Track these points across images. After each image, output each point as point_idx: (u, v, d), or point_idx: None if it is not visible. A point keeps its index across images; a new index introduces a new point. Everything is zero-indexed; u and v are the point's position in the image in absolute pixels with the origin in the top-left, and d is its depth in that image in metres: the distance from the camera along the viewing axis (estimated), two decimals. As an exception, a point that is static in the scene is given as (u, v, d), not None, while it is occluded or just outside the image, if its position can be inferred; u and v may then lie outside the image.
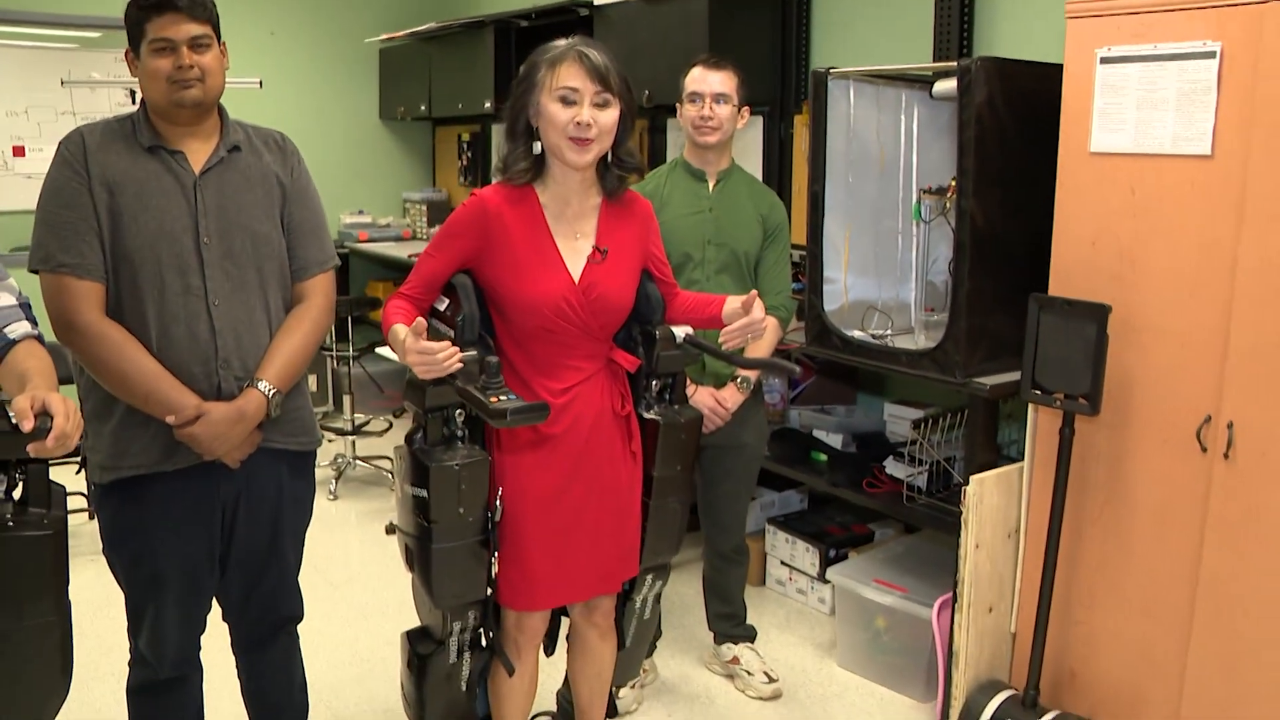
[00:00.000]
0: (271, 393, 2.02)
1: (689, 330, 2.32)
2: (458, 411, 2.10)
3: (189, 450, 1.99)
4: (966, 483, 2.61)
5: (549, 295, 2.08)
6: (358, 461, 4.83)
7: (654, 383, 2.31)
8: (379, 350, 4.32)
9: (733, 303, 2.17)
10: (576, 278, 2.11)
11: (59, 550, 1.66)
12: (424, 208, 5.98)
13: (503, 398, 1.86)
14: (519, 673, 2.28)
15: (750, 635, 3.17)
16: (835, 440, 3.53)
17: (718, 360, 2.81)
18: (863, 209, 3.06)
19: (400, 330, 1.97)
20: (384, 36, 5.65)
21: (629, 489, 2.27)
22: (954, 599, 2.70)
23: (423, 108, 5.57)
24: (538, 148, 2.08)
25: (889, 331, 3.09)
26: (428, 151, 6.34)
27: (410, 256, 5.17)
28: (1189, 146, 2.23)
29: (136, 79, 2.03)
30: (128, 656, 2.20)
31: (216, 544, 2.10)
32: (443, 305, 2.13)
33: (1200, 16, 2.18)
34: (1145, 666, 2.45)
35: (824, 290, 3.01)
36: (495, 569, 2.15)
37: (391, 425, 5.14)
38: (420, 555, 2.13)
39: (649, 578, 2.41)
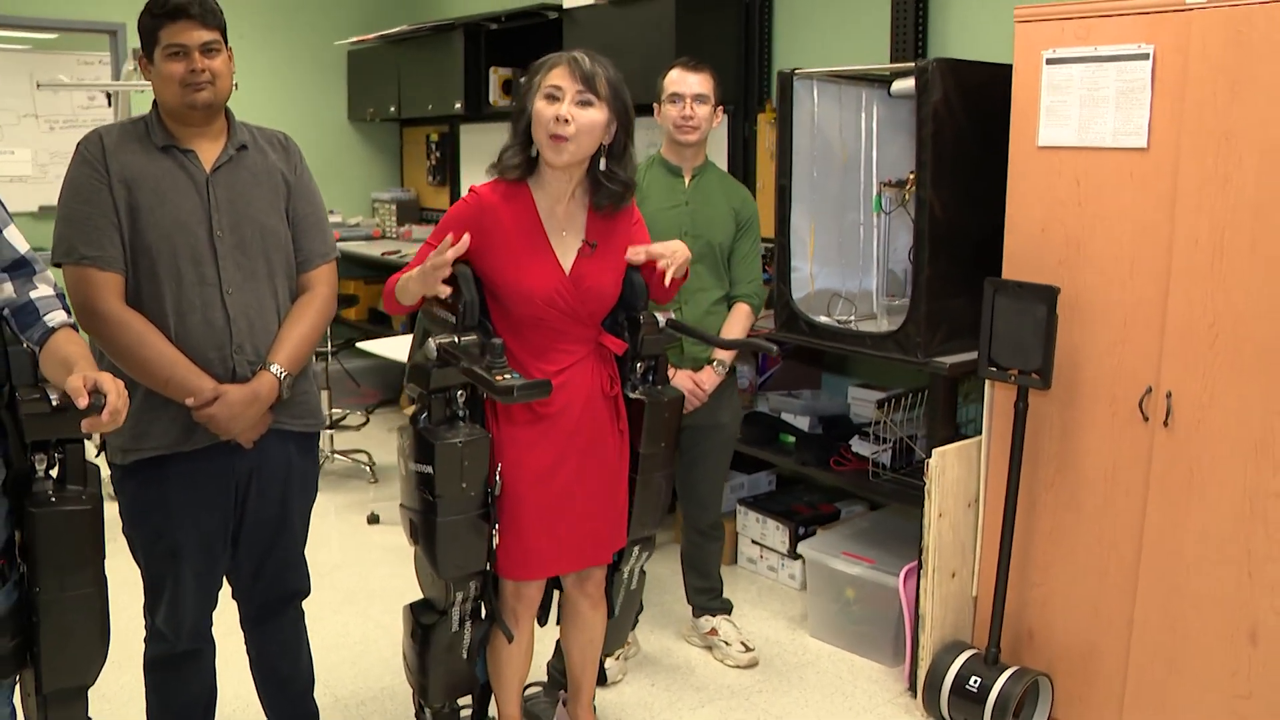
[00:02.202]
0: (283, 375, 2.15)
1: (671, 314, 2.48)
2: (459, 392, 2.25)
3: (206, 431, 2.11)
4: (929, 457, 2.79)
5: (542, 286, 2.23)
6: (336, 455, 4.93)
7: (638, 365, 2.46)
8: (359, 345, 4.43)
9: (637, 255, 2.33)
10: (567, 270, 2.26)
11: (96, 524, 1.78)
12: (393, 207, 6.09)
13: (507, 376, 2.00)
14: (517, 640, 2.43)
15: (727, 608, 3.33)
16: (802, 422, 3.71)
17: (697, 345, 2.98)
18: (827, 202, 3.24)
19: (414, 271, 2.17)
20: (353, 39, 5.75)
21: (617, 465, 2.42)
22: (919, 567, 2.89)
23: (392, 109, 5.68)
24: (534, 150, 2.22)
25: (852, 317, 3.27)
26: (395, 152, 6.44)
27: (384, 255, 5.28)
28: (1127, 140, 2.42)
29: (149, 82, 2.15)
30: (142, 634, 2.32)
31: (230, 520, 2.22)
32: (444, 294, 2.27)
33: (1135, 22, 2.38)
34: (1096, 622, 2.65)
35: (791, 279, 3.18)
36: (496, 541, 2.30)
37: (368, 420, 5.24)
38: (425, 528, 2.27)
39: (636, 549, 2.56)
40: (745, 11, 4.11)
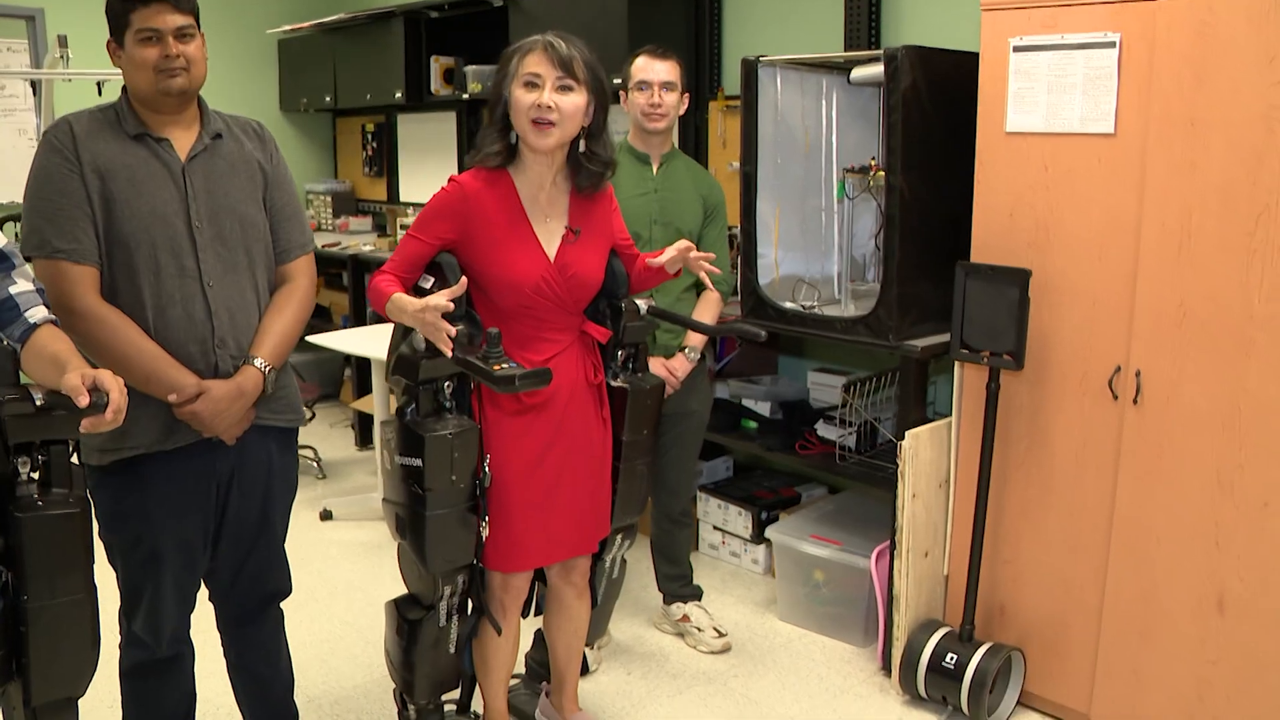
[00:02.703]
0: (267, 369, 2.09)
1: (651, 302, 2.48)
2: (446, 384, 2.21)
3: (188, 429, 2.04)
4: (901, 438, 2.84)
5: (528, 275, 2.21)
6: (281, 453, 4.81)
7: (620, 353, 2.46)
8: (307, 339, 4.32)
9: (668, 254, 2.34)
10: (552, 257, 2.24)
11: (85, 527, 1.71)
12: (328, 199, 5.96)
13: (505, 366, 1.98)
14: (505, 633, 2.41)
15: (698, 594, 3.35)
16: (763, 408, 3.74)
17: (668, 332, 2.98)
18: (790, 188, 3.27)
19: (406, 300, 2.09)
20: (286, 28, 5.60)
21: (602, 453, 2.41)
22: (892, 547, 2.93)
23: (327, 99, 5.56)
24: (514, 136, 2.20)
25: (815, 303, 3.30)
26: (329, 143, 6.30)
27: (324, 248, 5.16)
28: (1095, 126, 2.49)
29: (119, 69, 2.07)
30: (117, 641, 2.23)
31: (211, 520, 2.16)
32: (427, 284, 2.23)
33: (1101, 10, 2.44)
34: (1067, 597, 2.72)
35: (758, 265, 3.20)
36: (486, 533, 2.27)
37: (314, 415, 5.13)
38: (413, 522, 2.23)
39: (618, 537, 2.56)
40: (696, 1, 4.11)
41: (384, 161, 5.87)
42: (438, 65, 4.95)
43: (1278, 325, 2.29)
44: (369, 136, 5.91)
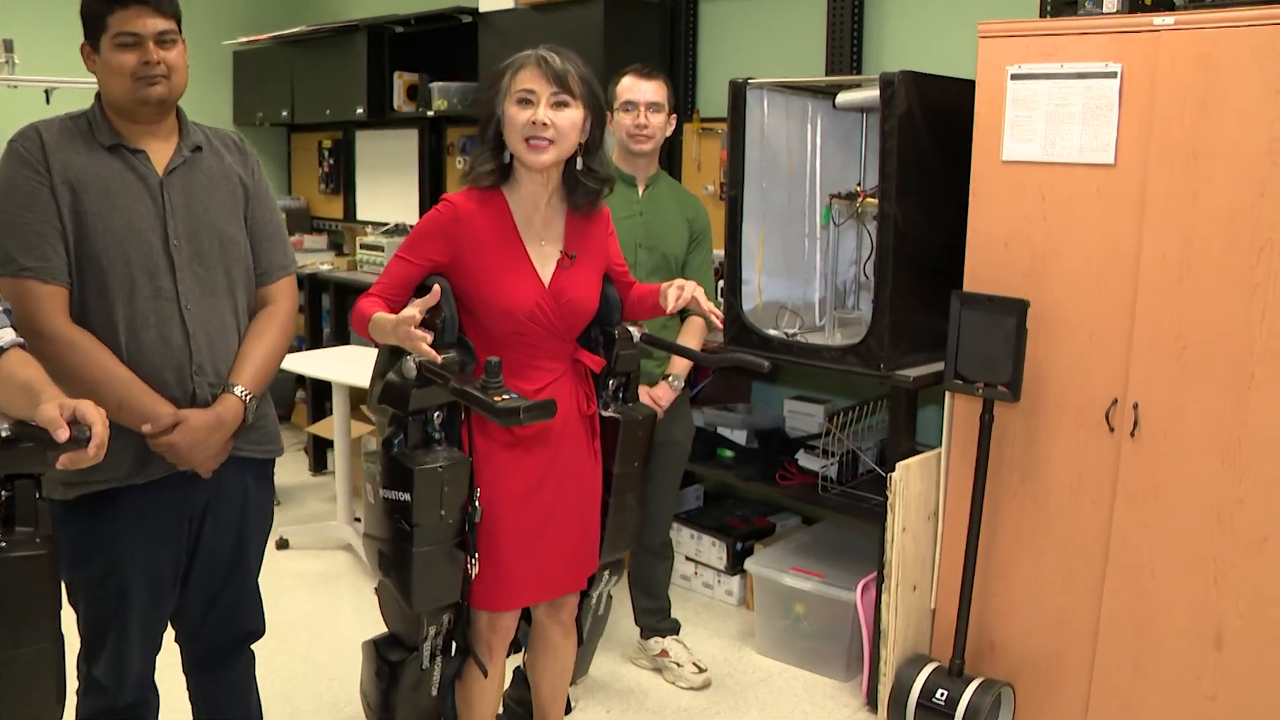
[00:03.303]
0: (248, 398, 1.97)
1: (644, 329, 2.39)
2: (436, 414, 2.10)
3: (162, 461, 1.91)
4: (890, 469, 2.78)
5: (522, 300, 2.11)
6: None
7: (610, 382, 2.37)
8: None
9: (665, 290, 2.24)
10: (546, 282, 2.15)
11: (53, 570, 1.58)
12: (282, 216, 5.78)
13: (506, 396, 1.87)
14: (490, 674, 2.29)
15: (675, 628, 3.25)
16: (740, 437, 3.66)
17: (656, 358, 2.90)
18: (774, 213, 3.21)
19: (386, 317, 1.99)
20: (242, 39, 5.44)
21: (593, 487, 2.32)
22: (879, 580, 2.87)
23: (284, 114, 5.40)
24: (507, 156, 2.11)
25: (797, 330, 3.24)
26: (283, 159, 6.14)
27: (280, 265, 5.00)
28: (1094, 156, 2.46)
29: (90, 74, 1.94)
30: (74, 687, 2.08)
31: (183, 554, 2.02)
32: (426, 344, 2.12)
33: (1102, 41, 2.42)
34: (1060, 630, 2.68)
35: (741, 291, 3.13)
36: (475, 570, 2.16)
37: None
38: (398, 560, 2.11)
39: (605, 573, 2.46)
40: (670, 18, 4.06)
41: (341, 179, 5.72)
42: (401, 81, 4.83)
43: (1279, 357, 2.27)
44: (325, 153, 5.76)
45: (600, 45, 3.84)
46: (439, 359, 1.94)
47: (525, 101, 2.05)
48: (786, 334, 3.16)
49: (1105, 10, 2.47)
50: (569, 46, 3.88)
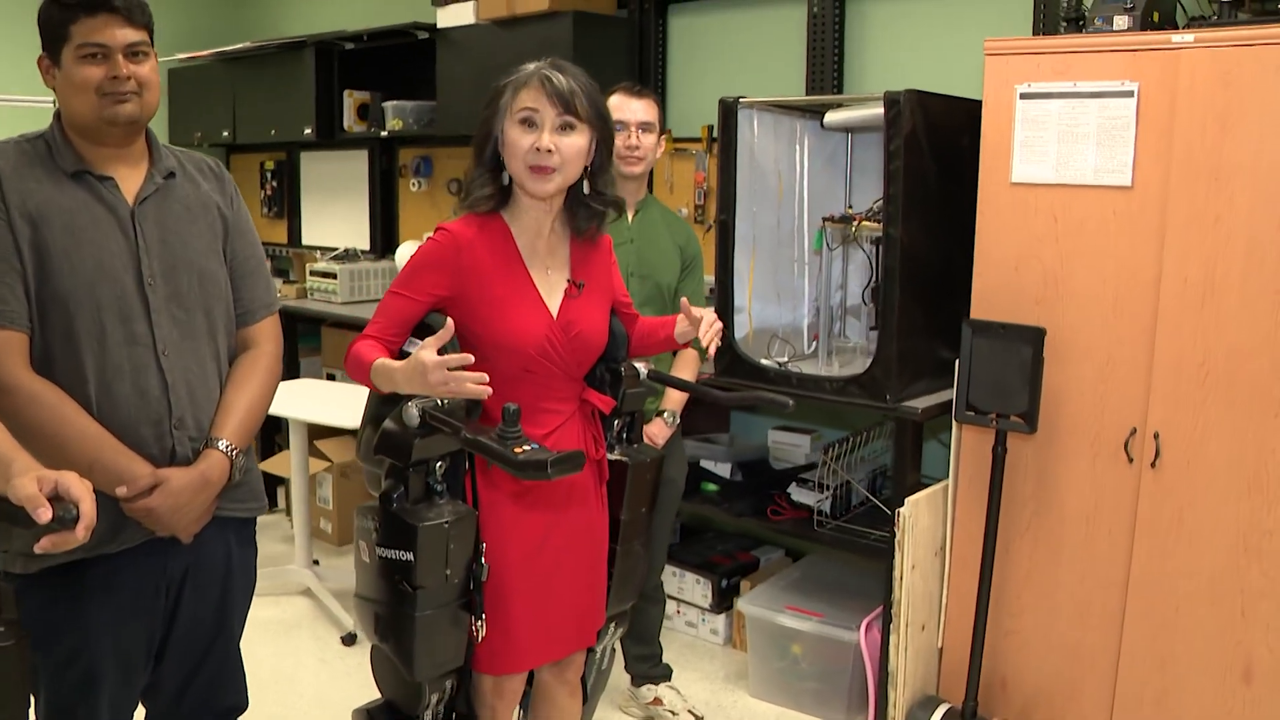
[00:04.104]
0: (234, 453, 1.77)
1: (651, 365, 2.25)
2: (438, 464, 1.93)
3: (137, 526, 1.71)
4: (900, 503, 2.66)
5: (531, 334, 1.95)
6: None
7: (615, 422, 2.22)
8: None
9: (681, 324, 2.09)
10: (555, 313, 1.99)
11: (22, 662, 1.38)
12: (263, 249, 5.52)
13: (527, 448, 1.70)
14: (495, 742, 2.11)
15: (668, 674, 3.10)
16: (723, 470, 3.53)
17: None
18: (764, 237, 3.09)
19: (392, 364, 1.81)
20: (180, 56, 5.17)
21: (601, 535, 2.16)
22: (885, 619, 2.75)
23: (225, 134, 5.15)
24: (506, 178, 1.95)
25: (786, 359, 3.12)
26: (221, 181, 5.86)
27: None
28: (1110, 178, 2.38)
29: (52, 91, 1.73)
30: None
31: (158, 628, 1.82)
32: (414, 350, 1.94)
33: (1118, 59, 2.35)
34: (1077, 667, 2.58)
35: (734, 320, 3.00)
36: (483, 632, 1.98)
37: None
38: (398, 624, 1.93)
39: (611, 625, 2.30)
40: (639, 35, 3.93)
41: (285, 202, 5.48)
42: (351, 100, 4.62)
43: (1308, 385, 2.21)
44: (268, 175, 5.50)
45: (569, 61, 3.68)
46: (486, 390, 1.74)
47: (528, 123, 1.89)
48: (779, 363, 3.04)
49: (1116, 28, 2.40)
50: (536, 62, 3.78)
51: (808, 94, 3.47)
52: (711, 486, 3.49)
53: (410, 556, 1.87)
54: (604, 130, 1.98)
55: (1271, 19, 2.29)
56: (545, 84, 1.90)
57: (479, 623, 1.97)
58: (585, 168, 1.97)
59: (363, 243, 5.02)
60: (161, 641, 1.83)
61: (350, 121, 4.64)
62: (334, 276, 4.51)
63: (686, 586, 3.61)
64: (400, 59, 4.50)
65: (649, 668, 3.05)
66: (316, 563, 4.01)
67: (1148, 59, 2.31)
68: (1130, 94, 2.33)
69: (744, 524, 3.49)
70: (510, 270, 1.97)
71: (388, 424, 1.90)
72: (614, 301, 2.16)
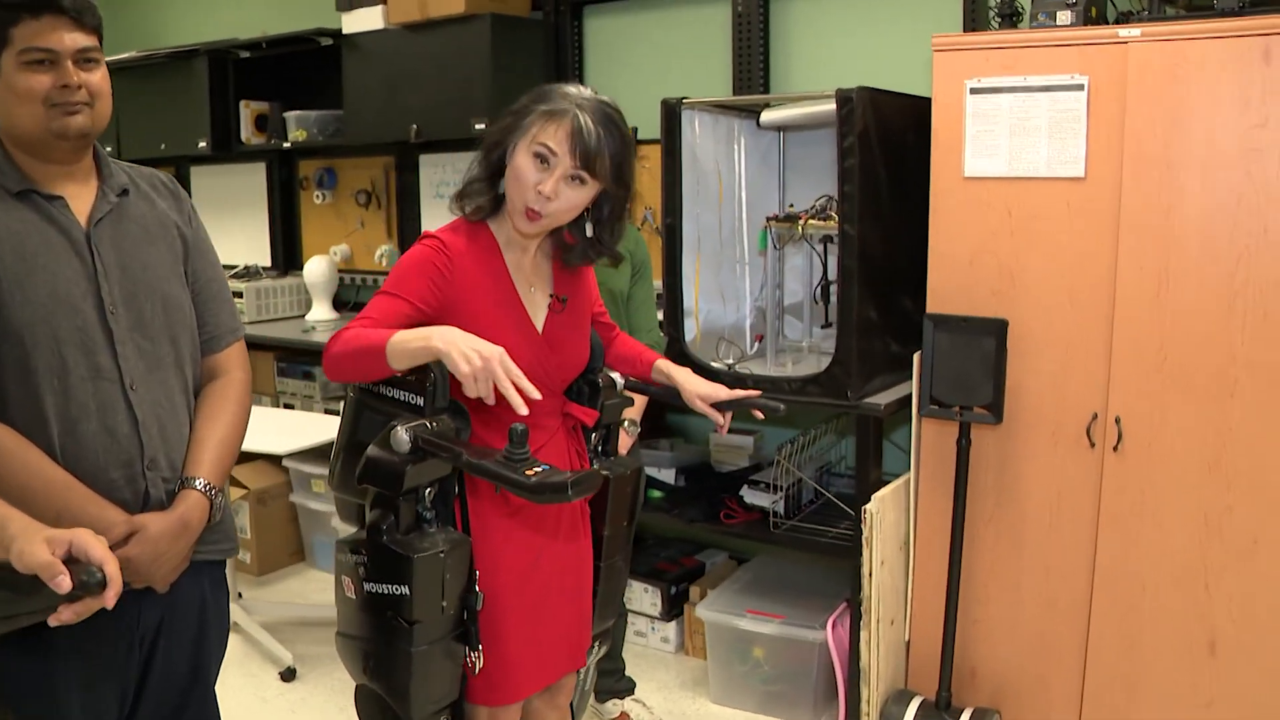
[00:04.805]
0: (213, 492, 1.63)
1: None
2: (428, 490, 1.82)
3: (110, 579, 1.54)
4: (866, 500, 2.66)
5: (519, 352, 1.86)
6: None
7: (593, 435, 2.15)
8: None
9: (665, 366, 2.14)
10: (540, 329, 1.91)
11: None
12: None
13: (539, 469, 1.61)
14: (492, 777, 2.01)
15: (631, 688, 3.03)
16: (668, 475, 3.47)
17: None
18: (708, 239, 3.05)
19: (412, 331, 1.67)
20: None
21: (588, 553, 2.09)
22: (855, 616, 2.74)
23: (109, 148, 4.82)
24: (500, 187, 1.85)
25: (733, 361, 3.09)
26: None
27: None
28: (1063, 170, 2.42)
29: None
30: None
31: (130, 684, 1.67)
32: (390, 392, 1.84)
33: (1067, 53, 2.39)
34: (1045, 652, 2.62)
35: (682, 323, 2.96)
36: (480, 664, 1.88)
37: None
38: (391, 662, 1.81)
39: (596, 644, 2.22)
40: (555, 36, 3.85)
41: (173, 218, 5.18)
42: (249, 111, 4.41)
43: (1261, 364, 2.28)
44: (154, 191, 5.20)
45: (489, 65, 3.60)
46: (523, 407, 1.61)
47: (541, 158, 1.77)
48: (727, 365, 3.01)
49: (1059, 23, 2.44)
50: (455, 66, 3.67)
51: (735, 94, 3.45)
52: (656, 493, 3.43)
53: (405, 590, 1.75)
54: (619, 191, 1.86)
55: (1199, 14, 2.37)
56: (576, 135, 1.76)
57: (475, 654, 1.87)
58: (586, 211, 1.88)
59: (263, 259, 4.80)
60: (135, 696, 1.68)
61: (248, 133, 4.42)
62: (240, 295, 4.29)
63: (634, 595, 3.54)
64: (301, 67, 4.31)
65: (613, 682, 2.98)
66: (239, 595, 3.80)
67: (1096, 53, 2.36)
68: (1081, 87, 2.38)
69: (694, 530, 3.44)
70: (497, 285, 1.88)
71: (373, 450, 1.78)
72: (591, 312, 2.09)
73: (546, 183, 1.76)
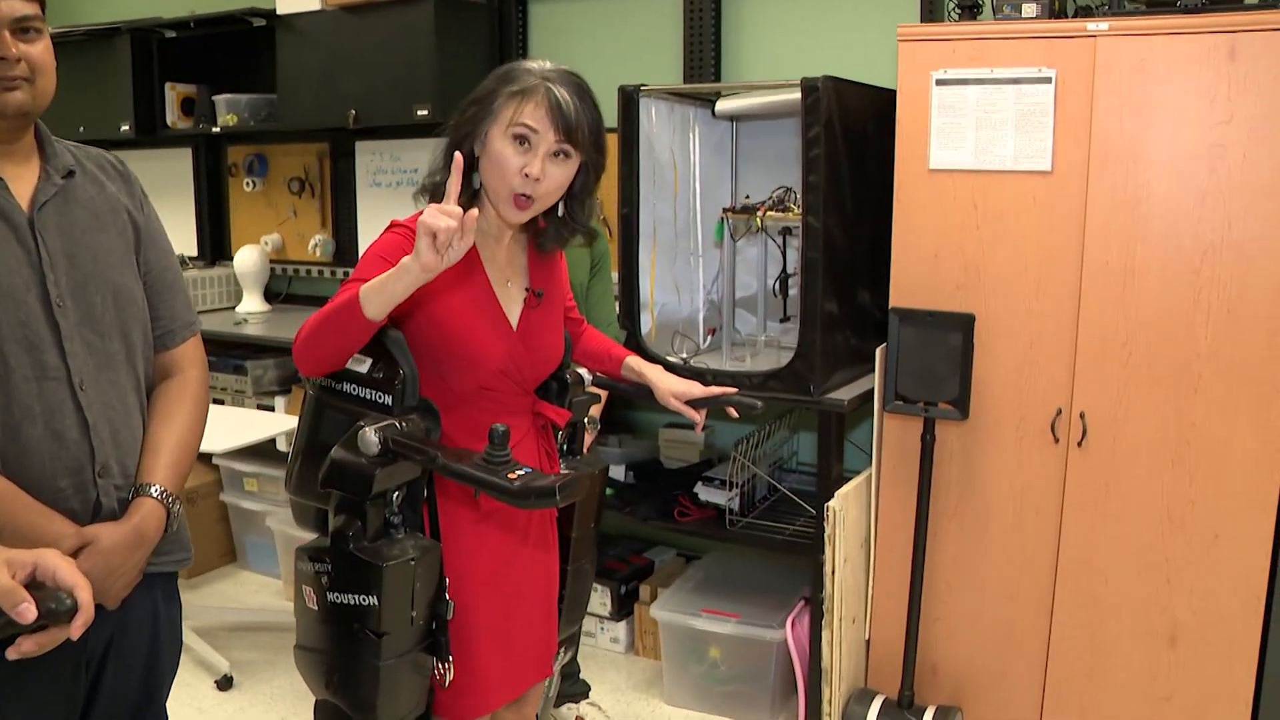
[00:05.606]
0: (170, 500, 1.51)
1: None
2: (395, 494, 1.72)
3: (56, 596, 1.42)
4: (829, 497, 2.63)
5: (493, 349, 1.78)
6: None
7: (559, 433, 2.07)
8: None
9: (635, 363, 2.10)
10: (515, 325, 1.82)
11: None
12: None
13: (521, 473, 1.53)
14: (459, 793, 1.92)
15: (586, 691, 2.96)
16: (618, 472, 3.41)
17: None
18: (663, 230, 2.99)
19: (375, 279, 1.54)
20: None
21: (555, 557, 2.01)
22: (816, 615, 2.71)
23: (22, 130, 4.57)
24: (476, 181, 1.75)
25: (687, 355, 3.04)
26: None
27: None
28: (1030, 163, 2.41)
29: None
30: None
31: (76, 709, 1.54)
32: (363, 367, 1.73)
33: (1034, 46, 2.38)
34: (1008, 646, 2.62)
35: (639, 317, 2.89)
36: (450, 676, 1.79)
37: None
38: (356, 676, 1.72)
39: (562, 650, 2.15)
40: (499, 20, 3.74)
41: (89, 206, 4.94)
42: (174, 94, 4.20)
43: (1224, 358, 2.30)
44: (69, 176, 4.94)
45: (433, 49, 3.47)
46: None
47: (522, 140, 1.68)
48: (682, 360, 2.95)
49: (1025, 16, 2.43)
50: (397, 50, 3.55)
51: (685, 82, 3.38)
52: (608, 490, 3.36)
53: (373, 600, 1.66)
54: (597, 159, 1.78)
55: (1159, 10, 2.37)
56: (553, 107, 1.67)
57: (445, 666, 1.78)
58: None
59: (189, 248, 4.59)
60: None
61: (173, 117, 4.22)
62: (166, 287, 4.08)
63: (584, 596, 3.47)
64: (230, 48, 4.13)
65: (568, 685, 2.91)
66: (170, 604, 3.62)
67: (1063, 46, 2.35)
68: (1048, 80, 2.37)
69: (647, 528, 3.38)
70: (472, 280, 1.78)
71: (338, 453, 1.68)
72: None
73: (533, 164, 1.67)
